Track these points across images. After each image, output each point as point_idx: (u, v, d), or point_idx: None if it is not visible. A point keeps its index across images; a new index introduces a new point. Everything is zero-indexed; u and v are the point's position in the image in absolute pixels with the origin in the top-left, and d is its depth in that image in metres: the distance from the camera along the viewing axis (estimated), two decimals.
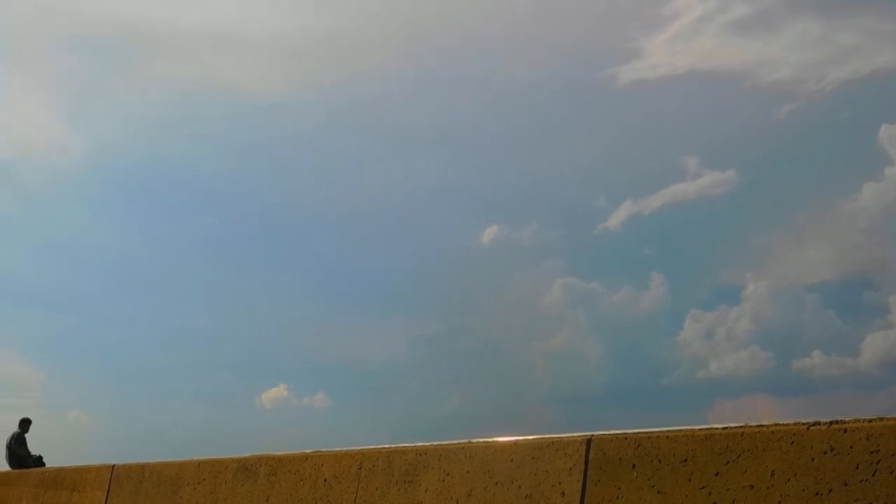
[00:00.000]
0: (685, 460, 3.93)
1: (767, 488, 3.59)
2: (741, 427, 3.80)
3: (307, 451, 6.82)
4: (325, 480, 6.38)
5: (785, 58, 37.99)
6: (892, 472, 3.21)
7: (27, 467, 17.49)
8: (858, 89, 35.41)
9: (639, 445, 4.16)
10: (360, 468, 6.03)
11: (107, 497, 10.20)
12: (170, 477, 8.85)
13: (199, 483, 8.18)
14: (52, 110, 47.16)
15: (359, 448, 6.22)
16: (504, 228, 38.52)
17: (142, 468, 9.76)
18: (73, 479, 11.70)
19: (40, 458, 18.81)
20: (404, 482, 5.59)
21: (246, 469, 7.51)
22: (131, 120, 46.60)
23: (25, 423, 19.43)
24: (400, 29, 44.75)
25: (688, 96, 39.37)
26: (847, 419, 3.44)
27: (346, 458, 6.26)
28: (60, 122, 46.04)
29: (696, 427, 3.99)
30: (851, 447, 3.36)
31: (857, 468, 3.32)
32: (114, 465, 10.69)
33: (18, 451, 18.80)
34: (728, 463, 3.76)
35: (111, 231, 45.21)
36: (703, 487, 3.82)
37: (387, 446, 5.94)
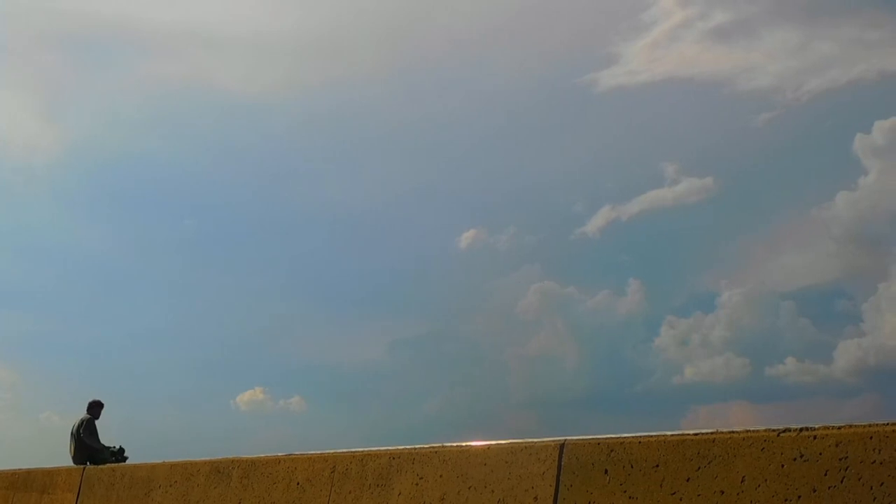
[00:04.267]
0: (657, 466, 3.95)
1: (738, 494, 3.61)
2: (713, 433, 3.82)
3: (280, 454, 6.79)
4: (299, 483, 6.35)
5: (764, 66, 38.36)
6: (860, 479, 3.24)
7: (101, 462, 13.03)
8: (835, 99, 35.83)
9: (611, 451, 4.18)
10: (334, 471, 6.01)
11: (77, 499, 10.10)
12: (141, 479, 8.78)
13: (171, 485, 8.12)
14: (32, 108, 46.76)
15: (332, 451, 6.20)
16: (482, 233, 38.56)
17: (113, 470, 9.69)
18: (43, 480, 11.58)
19: (121, 450, 14.12)
20: (378, 486, 5.58)
21: (219, 472, 7.47)
22: (112, 118, 46.25)
23: (96, 407, 14.45)
24: (382, 33, 44.76)
25: (667, 103, 39.64)
26: (817, 426, 3.48)
27: (320, 461, 6.24)
28: (40, 120, 45.63)
29: (669, 433, 4.01)
30: (821, 454, 3.39)
31: (826, 475, 3.35)
32: (84, 467, 10.60)
33: (90, 442, 13.96)
34: (699, 469, 3.78)
35: (88, 230, 44.87)
36: (675, 493, 3.84)
37: (360, 450, 5.93)
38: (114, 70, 45.38)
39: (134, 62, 45.52)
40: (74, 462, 13.75)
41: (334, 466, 6.03)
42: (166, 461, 8.55)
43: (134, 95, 45.31)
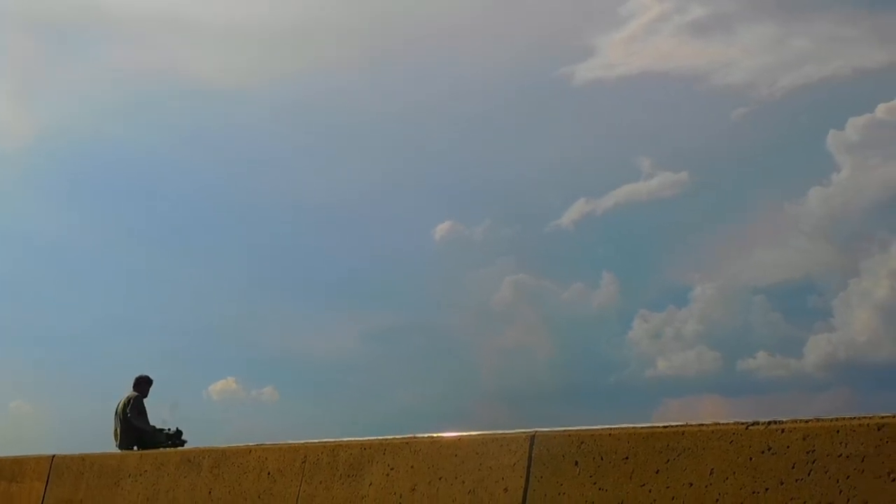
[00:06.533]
0: (627, 458, 3.97)
1: (706, 486, 3.63)
2: (682, 426, 3.84)
3: (251, 444, 6.76)
4: (269, 473, 6.33)
5: (740, 61, 38.56)
6: (826, 472, 3.27)
7: (153, 446, 11.57)
8: (810, 95, 36.06)
9: (582, 443, 4.19)
10: (305, 462, 5.99)
11: (46, 488, 10.01)
12: (111, 468, 8.71)
13: (140, 475, 8.06)
14: (4, 91, 46.09)
15: (303, 442, 6.19)
16: (457, 225, 38.50)
17: (82, 459, 9.60)
18: (11, 469, 11.46)
19: (178, 433, 12.55)
20: (349, 476, 5.57)
21: (189, 461, 7.43)
22: (83, 104, 45.57)
23: (143, 384, 12.84)
24: (357, 23, 44.45)
25: (643, 97, 39.69)
26: (785, 420, 3.50)
27: (291, 451, 6.22)
28: (9, 105, 44.98)
29: (639, 425, 4.03)
30: (788, 447, 3.42)
31: (794, 467, 3.38)
32: (53, 456, 10.50)
33: (138, 423, 12.37)
34: (669, 461, 3.80)
35: (57, 217, 44.26)
36: (644, 485, 3.86)
37: (331, 440, 5.91)
38: (86, 56, 44.76)
39: (106, 48, 44.90)
40: (120, 447, 12.27)
41: (305, 457, 6.01)
42: (136, 450, 8.49)
43: (105, 82, 44.69)
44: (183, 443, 12.38)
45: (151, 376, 13.02)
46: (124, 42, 44.48)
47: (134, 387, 12.81)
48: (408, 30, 43.15)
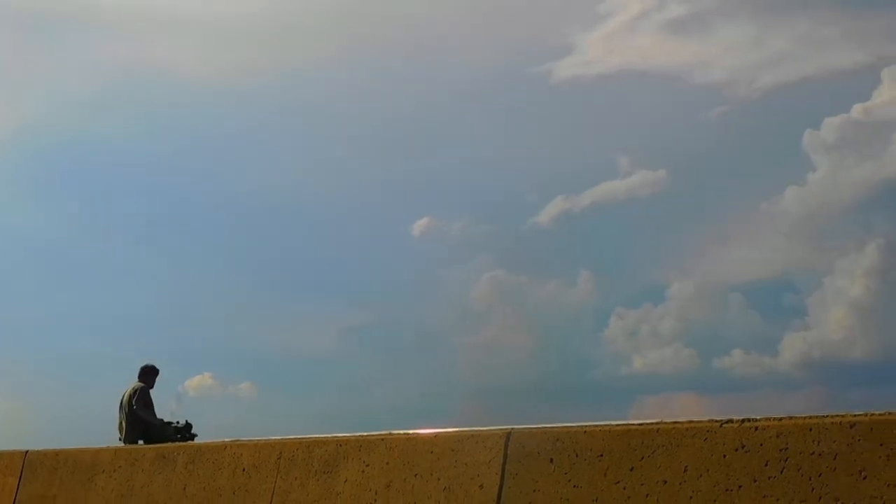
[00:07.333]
0: (601, 455, 3.97)
1: (680, 483, 3.64)
2: (657, 423, 3.85)
3: (227, 439, 6.72)
4: (244, 470, 6.29)
5: (719, 60, 38.80)
6: (799, 470, 3.28)
7: (161, 440, 10.95)
8: (787, 95, 36.34)
9: (557, 440, 4.19)
10: (280, 458, 5.96)
11: (19, 483, 9.91)
12: (85, 464, 8.63)
13: (115, 470, 8.00)
14: None
15: (279, 438, 6.16)
16: (435, 221, 38.46)
17: (56, 455, 9.51)
18: None
19: (188, 426, 11.82)
20: (324, 472, 5.54)
21: (164, 457, 7.37)
22: (60, 99, 45.11)
23: (149, 374, 12.03)
24: (338, 20, 44.30)
25: (622, 94, 39.82)
26: (758, 417, 3.52)
27: (266, 447, 6.18)
28: None
29: (614, 423, 4.03)
30: (762, 445, 3.43)
31: (767, 465, 3.39)
32: (27, 451, 10.40)
33: (144, 415, 11.61)
34: (643, 458, 3.80)
35: (34, 213, 43.81)
36: (619, 482, 3.86)
37: (307, 437, 5.89)
38: (66, 50, 44.33)
39: (87, 42, 44.51)
40: (125, 441, 11.56)
41: (281, 453, 5.98)
42: (111, 446, 8.43)
43: (85, 76, 44.28)
44: (193, 436, 11.66)
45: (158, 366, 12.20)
46: (108, 36, 44.12)
47: (139, 377, 12.03)
48: (386, 28, 43.11)
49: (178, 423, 11.83)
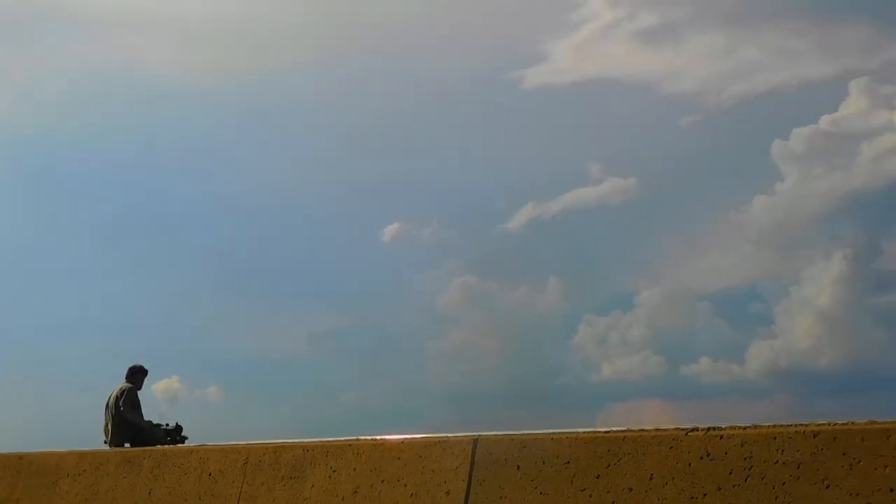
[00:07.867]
0: (568, 462, 3.96)
1: (646, 491, 3.64)
2: (623, 431, 3.85)
3: (192, 444, 6.66)
4: (210, 474, 6.23)
5: (689, 69, 39.06)
6: (763, 479, 3.29)
7: (150, 443, 10.47)
8: (757, 105, 36.68)
9: (524, 447, 4.18)
10: (247, 463, 5.91)
11: None
12: (50, 467, 8.52)
13: (79, 475, 7.90)
14: None
15: (245, 443, 6.11)
16: (406, 226, 38.39)
17: (20, 458, 9.38)
18: None
19: (179, 429, 11.20)
20: (291, 478, 5.50)
21: (129, 461, 7.29)
22: (29, 98, 44.56)
23: (138, 374, 11.49)
24: (310, 23, 44.11)
25: (593, 102, 39.97)
26: (724, 426, 3.53)
27: (233, 452, 6.13)
28: None
29: (580, 430, 4.03)
30: (726, 453, 3.44)
31: (731, 473, 3.40)
32: None
33: (132, 417, 11.07)
34: (609, 466, 3.80)
35: (2, 214, 43.26)
36: (584, 489, 3.86)
37: (274, 441, 5.85)
38: (35, 49, 43.79)
39: (56, 42, 43.98)
40: (111, 443, 11.03)
41: (247, 458, 5.92)
42: (75, 450, 8.32)
43: (55, 75, 43.73)
44: (184, 439, 11.02)
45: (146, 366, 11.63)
46: (77, 36, 43.60)
47: (127, 377, 11.44)
48: (356, 32, 42.95)
49: (167, 425, 11.29)
